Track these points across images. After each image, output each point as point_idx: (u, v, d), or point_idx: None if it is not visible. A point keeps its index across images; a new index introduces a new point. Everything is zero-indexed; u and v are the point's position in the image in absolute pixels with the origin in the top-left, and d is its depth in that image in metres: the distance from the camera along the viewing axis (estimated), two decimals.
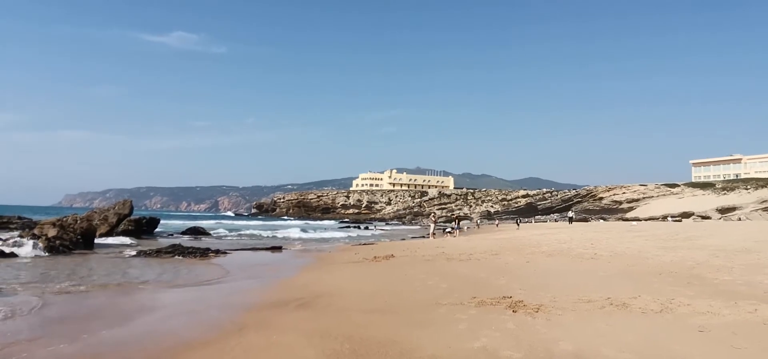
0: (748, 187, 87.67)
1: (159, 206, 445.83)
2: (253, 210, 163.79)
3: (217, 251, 21.27)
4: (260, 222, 76.82)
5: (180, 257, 18.73)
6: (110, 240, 27.87)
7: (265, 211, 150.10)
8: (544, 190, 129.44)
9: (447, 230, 41.89)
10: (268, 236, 38.30)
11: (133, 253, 19.97)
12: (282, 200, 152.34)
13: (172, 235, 35.92)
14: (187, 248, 20.77)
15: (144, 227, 35.33)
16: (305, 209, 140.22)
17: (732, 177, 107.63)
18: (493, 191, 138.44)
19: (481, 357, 5.35)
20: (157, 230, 38.03)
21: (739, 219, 62.90)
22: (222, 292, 11.14)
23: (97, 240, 25.55)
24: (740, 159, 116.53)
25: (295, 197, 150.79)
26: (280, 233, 42.42)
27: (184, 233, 37.90)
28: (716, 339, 5.57)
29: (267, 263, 17.58)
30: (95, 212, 32.68)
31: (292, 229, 50.60)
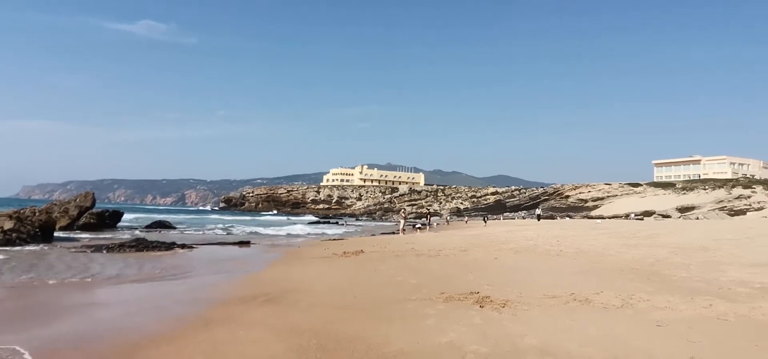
0: (706, 187, 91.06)
1: (123, 199, 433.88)
2: (222, 204, 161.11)
3: (183, 246, 20.87)
4: (228, 217, 75.70)
5: (145, 252, 18.31)
6: (71, 234, 27.02)
7: (234, 205, 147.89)
8: (513, 188, 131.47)
9: (417, 226, 42.16)
10: (236, 231, 37.78)
11: (95, 247, 19.41)
12: (251, 195, 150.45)
13: (136, 229, 35.07)
14: (152, 242, 20.31)
15: (107, 221, 34.40)
16: (275, 204, 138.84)
17: (691, 178, 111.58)
18: (463, 188, 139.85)
19: (448, 352, 5.40)
20: (120, 223, 37.11)
21: (697, 218, 65.27)
22: (188, 287, 10.94)
23: (56, 233, 24.74)
24: (699, 160, 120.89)
25: (265, 192, 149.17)
26: (250, 228, 41.90)
27: (149, 227, 37.04)
28: (673, 333, 5.77)
29: (234, 258, 17.35)
30: (55, 204, 31.63)
31: (262, 225, 50.06)
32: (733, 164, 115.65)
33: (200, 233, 34.76)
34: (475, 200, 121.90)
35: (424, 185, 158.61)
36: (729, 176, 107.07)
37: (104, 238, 24.85)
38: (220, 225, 45.72)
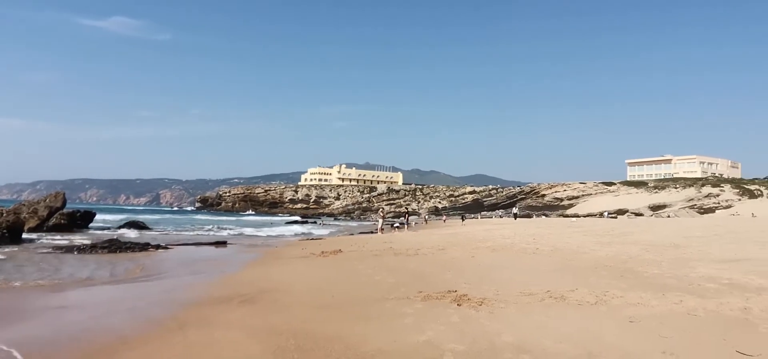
0: (677, 186, 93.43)
1: (95, 199, 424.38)
2: (198, 204, 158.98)
3: (158, 246, 20.53)
4: (204, 217, 74.69)
5: (118, 253, 17.93)
6: (40, 235, 26.32)
7: (210, 205, 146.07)
8: (491, 187, 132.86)
9: (395, 224, 42.23)
10: (213, 231, 37.29)
11: (66, 248, 18.93)
12: (228, 194, 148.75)
13: (109, 229, 34.32)
14: (126, 242, 19.92)
15: (78, 221, 33.60)
16: (252, 204, 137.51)
17: (663, 177, 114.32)
18: (441, 187, 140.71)
19: (426, 350, 5.42)
20: (92, 224, 36.27)
21: (669, 216, 66.88)
22: (162, 288, 10.74)
23: (25, 235, 24.07)
24: (670, 160, 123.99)
25: (242, 191, 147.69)
26: (227, 227, 41.40)
27: (122, 227, 36.26)
28: (645, 329, 5.89)
29: (211, 259, 17.12)
30: (23, 204, 30.76)
31: (239, 225, 49.54)
32: (703, 163, 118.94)
33: (176, 233, 34.21)
34: (453, 199, 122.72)
35: (403, 184, 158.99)
36: (699, 175, 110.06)
37: (75, 239, 24.25)
38: (196, 225, 45.09)
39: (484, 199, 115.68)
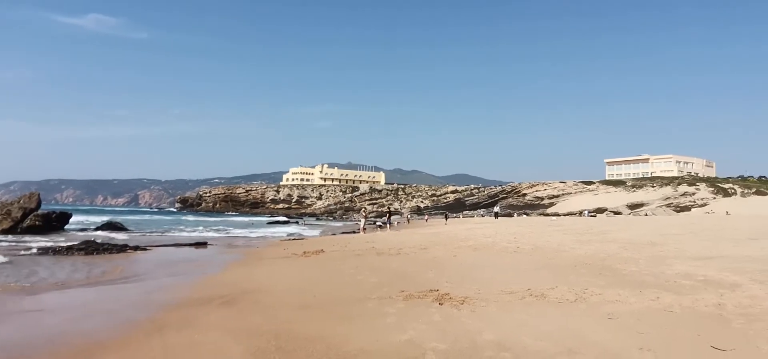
0: (655, 185, 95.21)
1: (71, 200, 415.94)
2: (177, 205, 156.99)
3: (136, 248, 20.22)
4: (184, 217, 73.79)
5: (94, 254, 17.60)
6: (14, 237, 25.70)
7: (190, 205, 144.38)
8: (472, 186, 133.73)
9: (378, 223, 42.21)
10: (192, 232, 36.86)
11: (41, 250, 18.52)
12: (208, 195, 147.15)
13: (85, 230, 33.70)
14: (103, 244, 19.56)
15: (54, 223, 32.92)
16: (233, 204, 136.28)
17: (641, 176, 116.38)
18: (424, 186, 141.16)
19: (407, 350, 5.42)
20: (68, 225, 35.59)
21: (647, 215, 68.10)
22: (141, 290, 10.57)
23: None
24: (648, 159, 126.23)
25: (223, 192, 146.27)
26: (206, 228, 40.96)
27: (99, 228, 35.61)
28: (623, 326, 5.99)
29: (190, 260, 16.91)
30: None
31: (221, 225, 49.05)
32: (679, 162, 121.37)
33: (155, 234, 33.72)
34: (435, 198, 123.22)
35: (385, 184, 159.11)
36: (675, 174, 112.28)
37: (51, 241, 23.73)
38: (176, 226, 44.52)
39: (466, 198, 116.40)
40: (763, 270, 9.54)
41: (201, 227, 43.27)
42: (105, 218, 45.77)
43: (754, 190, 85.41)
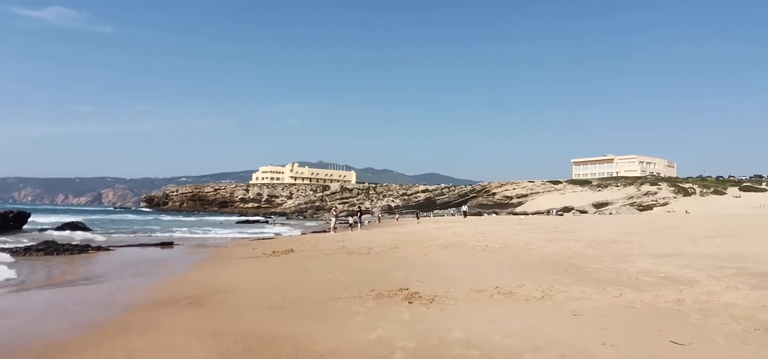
0: (619, 185, 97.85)
1: (30, 199, 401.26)
2: (143, 204, 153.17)
3: (99, 248, 19.65)
4: (151, 217, 72.07)
5: (55, 255, 17.00)
6: None
7: (156, 205, 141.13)
8: (443, 185, 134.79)
9: (350, 221, 42.07)
10: (158, 231, 36.02)
11: None
12: (175, 194, 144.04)
13: (45, 230, 32.49)
14: (63, 244, 18.91)
15: (10, 223, 31.66)
16: (201, 203, 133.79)
17: (606, 176, 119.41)
18: (394, 186, 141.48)
19: (376, 348, 5.42)
20: (27, 225, 34.26)
21: (611, 213, 69.93)
22: (103, 291, 10.27)
23: None
24: (612, 159, 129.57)
25: (190, 190, 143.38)
26: (173, 228, 40.09)
27: (60, 228, 34.39)
28: (587, 322, 6.13)
29: (156, 260, 16.52)
30: None
31: (186, 225, 48.10)
32: (642, 162, 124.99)
33: (119, 234, 32.79)
34: (406, 197, 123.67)
35: (356, 183, 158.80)
36: (638, 174, 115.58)
37: (8, 241, 22.81)
38: (141, 226, 43.44)
39: (437, 197, 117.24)
40: (720, 267, 9.91)
41: (167, 227, 42.32)
42: (66, 218, 44.23)
43: (712, 190, 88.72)
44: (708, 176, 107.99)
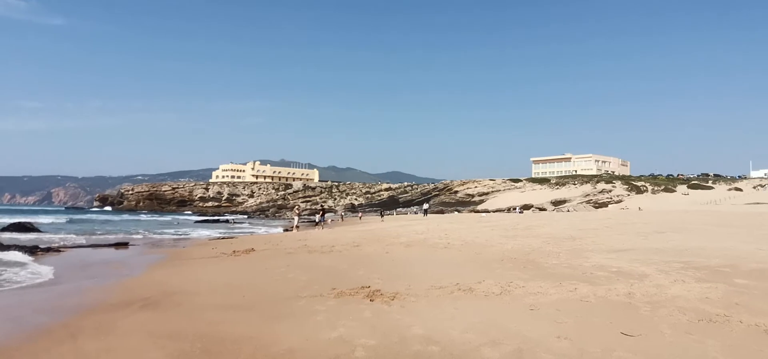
0: (576, 183, 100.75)
1: None
2: (96, 203, 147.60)
3: (49, 249, 18.83)
4: (104, 216, 69.58)
5: None
6: None
7: (111, 204, 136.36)
8: (406, 184, 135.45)
9: (316, 220, 41.78)
10: (113, 231, 34.81)
11: None
12: (131, 192, 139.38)
13: None
14: (10, 245, 18.02)
15: None
16: (158, 202, 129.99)
17: (563, 174, 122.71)
18: (358, 184, 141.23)
19: (337, 346, 5.41)
20: None
21: (569, 211, 71.90)
22: (52, 294, 9.85)
23: None
24: (570, 158, 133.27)
25: (147, 189, 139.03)
26: (128, 228, 38.81)
27: (5, 229, 32.74)
28: (543, 316, 6.29)
29: (110, 261, 15.96)
30: None
31: (142, 225, 46.66)
32: (598, 161, 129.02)
33: (70, 235, 31.47)
34: (369, 196, 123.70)
35: (319, 181, 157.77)
36: (594, 172, 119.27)
37: None
38: (94, 225, 41.87)
39: (400, 196, 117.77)
40: (668, 262, 10.36)
41: (122, 227, 40.96)
42: (13, 219, 42.14)
43: (662, 187, 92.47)
44: (659, 175, 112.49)
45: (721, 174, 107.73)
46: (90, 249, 20.38)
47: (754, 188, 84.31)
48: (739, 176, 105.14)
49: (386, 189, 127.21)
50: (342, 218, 68.99)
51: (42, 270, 13.35)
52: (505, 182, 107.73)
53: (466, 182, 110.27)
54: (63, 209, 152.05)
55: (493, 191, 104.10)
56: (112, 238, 27.14)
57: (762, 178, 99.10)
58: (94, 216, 69.25)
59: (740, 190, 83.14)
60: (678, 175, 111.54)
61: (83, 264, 14.99)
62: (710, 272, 8.94)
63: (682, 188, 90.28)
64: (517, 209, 73.93)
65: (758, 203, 63.63)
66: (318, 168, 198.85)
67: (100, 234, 31.74)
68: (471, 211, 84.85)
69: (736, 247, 12.71)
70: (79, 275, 12.64)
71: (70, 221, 50.12)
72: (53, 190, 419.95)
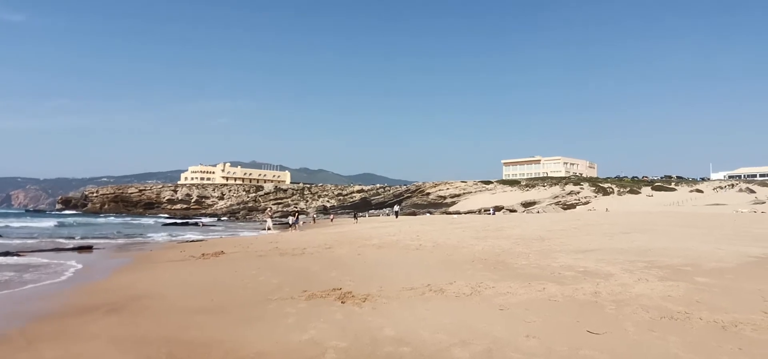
0: (545, 185, 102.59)
1: None
2: (59, 206, 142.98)
3: (7, 253, 18.13)
4: (67, 219, 67.47)
5: None
6: None
7: (74, 206, 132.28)
8: (378, 185, 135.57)
9: (290, 222, 41.42)
10: (76, 234, 33.76)
11: None
12: (95, 195, 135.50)
13: None
14: None
15: None
16: (124, 205, 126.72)
17: (533, 176, 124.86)
18: (330, 186, 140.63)
19: (308, 349, 5.37)
20: None
21: (538, 212, 73.11)
22: (10, 300, 9.48)
23: None
24: (539, 160, 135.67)
25: (112, 191, 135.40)
26: (93, 231, 37.71)
27: None
28: (513, 316, 6.38)
29: (73, 265, 15.45)
30: None
31: (107, 227, 45.41)
32: (566, 163, 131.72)
33: (30, 239, 30.37)
34: (341, 198, 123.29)
35: (291, 183, 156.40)
36: (563, 174, 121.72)
37: None
38: (56, 229, 40.53)
39: (372, 198, 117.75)
40: (632, 261, 10.64)
41: (87, 230, 39.76)
42: None
43: (628, 189, 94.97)
44: (625, 177, 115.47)
45: (683, 176, 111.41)
46: (52, 253, 19.70)
47: (714, 189, 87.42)
48: (700, 179, 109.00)
49: (358, 191, 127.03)
50: (314, 220, 68.54)
51: None
52: (476, 184, 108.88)
53: (439, 184, 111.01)
54: (23, 212, 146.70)
55: (464, 193, 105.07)
56: (75, 242, 26.31)
57: (722, 180, 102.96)
58: (56, 220, 67.00)
59: (701, 192, 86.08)
60: (643, 177, 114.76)
61: (44, 269, 14.49)
62: (672, 271, 9.23)
63: (646, 190, 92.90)
64: (492, 211, 74.76)
65: (718, 204, 66.07)
66: (290, 170, 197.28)
67: (62, 238, 30.73)
68: (443, 213, 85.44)
69: (697, 247, 13.16)
70: (39, 279, 12.21)
71: (31, 225, 48.40)
72: (12, 192, 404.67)
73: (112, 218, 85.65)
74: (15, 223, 50.99)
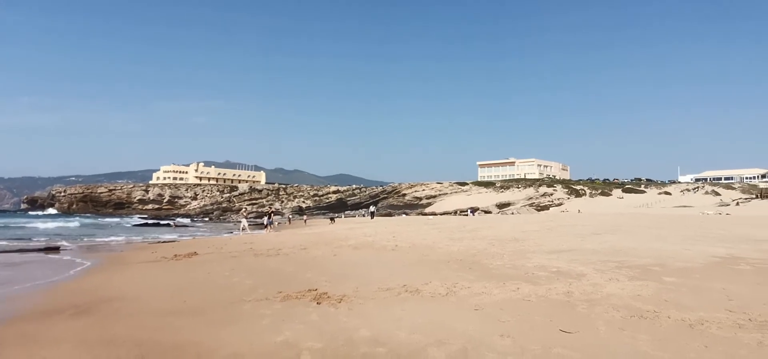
0: (520, 186, 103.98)
1: None
2: (24, 205, 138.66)
3: None
4: (33, 219, 65.47)
5: None
6: None
7: (41, 206, 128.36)
8: (354, 186, 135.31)
9: (265, 222, 40.98)
10: (43, 235, 32.79)
11: None
12: (63, 194, 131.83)
13: None
14: None
15: None
16: (93, 205, 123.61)
17: (508, 177, 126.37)
18: (306, 186, 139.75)
19: (283, 351, 5.32)
20: None
21: (513, 213, 74.03)
22: None
23: None
24: (514, 162, 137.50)
25: (81, 191, 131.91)
26: (60, 232, 36.67)
27: None
28: (488, 316, 6.44)
29: (39, 267, 15.00)
30: None
31: (76, 228, 44.23)
32: (540, 165, 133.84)
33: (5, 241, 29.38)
34: (317, 198, 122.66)
35: (266, 183, 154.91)
36: (537, 176, 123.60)
37: None
38: (22, 229, 39.30)
39: (348, 198, 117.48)
40: (604, 261, 10.87)
41: (54, 230, 38.64)
42: None
43: (600, 191, 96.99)
44: (597, 179, 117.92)
45: (652, 179, 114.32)
46: (16, 254, 19.09)
47: (682, 192, 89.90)
48: (668, 181, 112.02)
49: (334, 192, 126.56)
50: (289, 221, 68.01)
51: None
52: (452, 186, 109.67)
53: (415, 185, 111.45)
54: None
55: (440, 194, 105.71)
56: (41, 242, 25.55)
57: (689, 183, 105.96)
58: (21, 220, 64.99)
59: (669, 194, 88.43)
60: (614, 179, 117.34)
61: (9, 270, 14.02)
62: (642, 271, 9.46)
63: (617, 192, 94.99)
64: (469, 212, 75.35)
65: (685, 207, 68.01)
66: (265, 170, 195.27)
67: (28, 239, 29.81)
68: (419, 214, 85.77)
69: (665, 247, 13.52)
70: (3, 282, 11.80)
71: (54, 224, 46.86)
72: None
73: (78, 219, 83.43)
74: (43, 225, 49.23)
